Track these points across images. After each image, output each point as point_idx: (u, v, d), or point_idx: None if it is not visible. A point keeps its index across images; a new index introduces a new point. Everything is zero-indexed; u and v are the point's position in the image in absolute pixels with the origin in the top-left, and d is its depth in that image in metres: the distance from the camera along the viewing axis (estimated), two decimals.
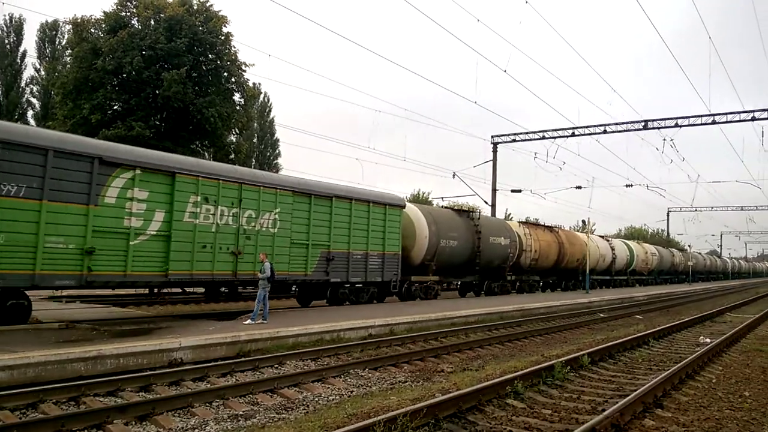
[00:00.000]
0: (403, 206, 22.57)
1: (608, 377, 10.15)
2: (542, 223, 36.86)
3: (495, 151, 40.64)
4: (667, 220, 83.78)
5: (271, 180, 17.58)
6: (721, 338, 14.48)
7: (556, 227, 37.44)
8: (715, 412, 7.70)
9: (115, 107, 27.56)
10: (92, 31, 27.38)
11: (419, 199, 51.64)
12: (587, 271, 35.97)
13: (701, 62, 37.92)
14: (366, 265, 20.15)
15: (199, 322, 14.08)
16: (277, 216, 16.98)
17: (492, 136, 40.72)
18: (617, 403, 7.33)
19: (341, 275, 19.27)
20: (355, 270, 19.82)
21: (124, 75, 26.78)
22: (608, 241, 44.61)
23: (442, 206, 32.61)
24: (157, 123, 27.87)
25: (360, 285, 20.28)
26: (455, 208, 30.05)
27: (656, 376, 9.22)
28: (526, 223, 34.46)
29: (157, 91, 26.69)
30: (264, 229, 16.61)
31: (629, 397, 7.60)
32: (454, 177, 37.50)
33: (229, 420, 7.49)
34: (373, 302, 20.86)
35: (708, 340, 14.86)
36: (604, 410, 7.14)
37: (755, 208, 73.56)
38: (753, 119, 32.84)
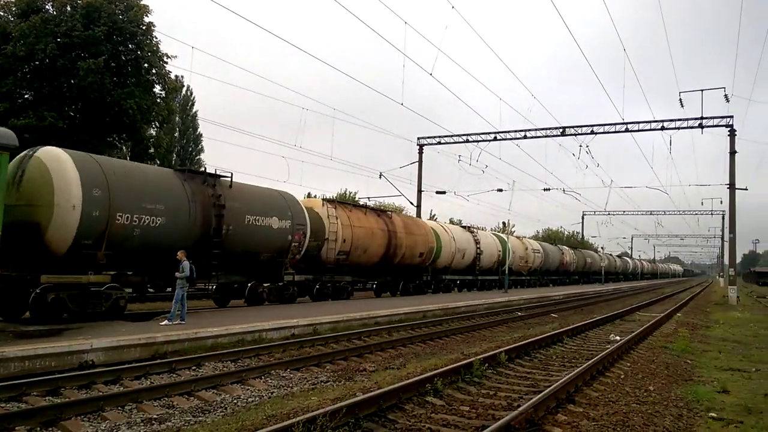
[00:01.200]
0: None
1: (524, 374, 10.48)
2: (368, 205, 31.64)
3: (421, 153, 41.21)
4: (582, 223, 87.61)
5: None
6: (629, 336, 15.22)
7: (390, 211, 31.97)
8: (623, 406, 8.08)
9: (26, 96, 26.05)
10: (1, 14, 25.78)
11: (345, 199, 51.56)
12: (506, 269, 37.01)
13: (616, 73, 39.79)
14: None
15: (113, 322, 13.51)
16: None
17: (418, 138, 41.29)
18: (531, 399, 7.57)
19: None
20: None
21: (37, 62, 25.35)
22: (472, 232, 37.56)
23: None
24: (72, 114, 26.56)
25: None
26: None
27: (569, 373, 9.59)
28: (332, 201, 26.08)
29: (72, 81, 25.42)
30: None
31: (543, 393, 7.86)
32: (380, 177, 37.72)
33: (142, 424, 7.24)
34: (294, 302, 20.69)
35: (618, 337, 15.59)
36: (519, 406, 7.36)
37: (663, 212, 78.03)
38: (662, 128, 34.76)
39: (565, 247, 59.13)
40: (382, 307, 19.74)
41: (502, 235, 42.88)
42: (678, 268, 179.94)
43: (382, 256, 26.62)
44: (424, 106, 39.63)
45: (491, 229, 49.86)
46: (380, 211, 28.74)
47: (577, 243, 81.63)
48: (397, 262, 27.69)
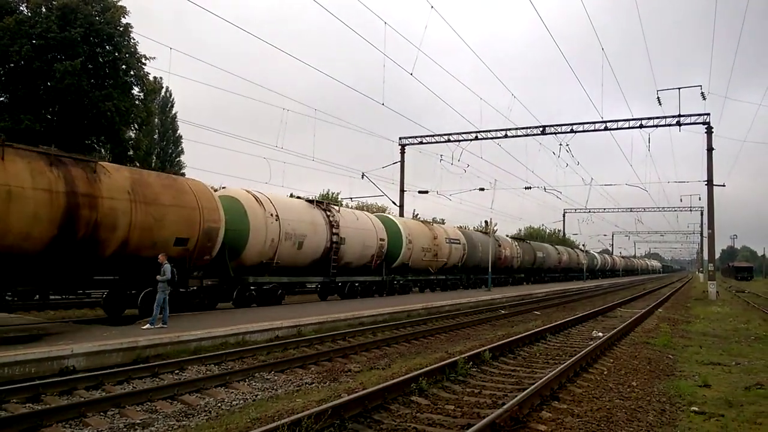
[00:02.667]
0: None
1: (508, 371, 10.52)
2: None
3: (403, 153, 41.25)
4: (563, 220, 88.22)
5: None
6: (612, 332, 15.35)
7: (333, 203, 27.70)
8: (606, 402, 8.14)
9: (1, 99, 25.69)
10: None
11: (328, 200, 51.47)
12: (489, 268, 37.14)
13: (595, 72, 40.13)
14: None
15: (93, 327, 13.36)
16: None
17: (400, 138, 41.29)
18: (516, 396, 7.59)
19: None
20: None
21: (12, 64, 24.99)
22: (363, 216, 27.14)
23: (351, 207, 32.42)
24: (49, 117, 26.23)
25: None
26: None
27: (553, 370, 9.64)
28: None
29: (48, 83, 25.11)
30: None
31: (527, 390, 7.89)
32: (363, 177, 37.66)
33: (125, 429, 7.16)
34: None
35: (600, 334, 15.71)
36: (504, 404, 7.38)
37: (643, 209, 78.88)
38: (641, 126, 35.13)
39: (505, 237, 47.29)
40: (366, 308, 19.71)
41: (391, 217, 30.72)
42: (656, 263, 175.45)
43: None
44: (405, 107, 39.78)
45: (474, 228, 49.79)
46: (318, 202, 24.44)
47: (559, 241, 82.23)
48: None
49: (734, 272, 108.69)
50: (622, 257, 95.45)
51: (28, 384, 8.58)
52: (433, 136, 40.36)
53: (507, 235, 51.40)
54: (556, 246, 63.40)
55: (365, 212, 30.81)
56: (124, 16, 27.32)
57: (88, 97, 25.35)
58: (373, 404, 7.50)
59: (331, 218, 23.32)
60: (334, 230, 23.16)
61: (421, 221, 35.21)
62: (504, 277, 45.07)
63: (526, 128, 37.73)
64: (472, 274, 38.10)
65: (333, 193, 56.15)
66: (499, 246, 42.14)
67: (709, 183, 34.87)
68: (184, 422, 7.44)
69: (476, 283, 38.24)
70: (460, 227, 39.81)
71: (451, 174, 40.70)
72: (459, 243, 35.13)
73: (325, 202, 24.74)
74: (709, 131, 34.30)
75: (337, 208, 25.32)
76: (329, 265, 23.09)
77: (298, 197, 26.28)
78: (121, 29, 27.10)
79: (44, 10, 25.58)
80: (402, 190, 41.09)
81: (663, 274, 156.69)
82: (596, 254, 65.22)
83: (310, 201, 23.92)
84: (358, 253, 25.25)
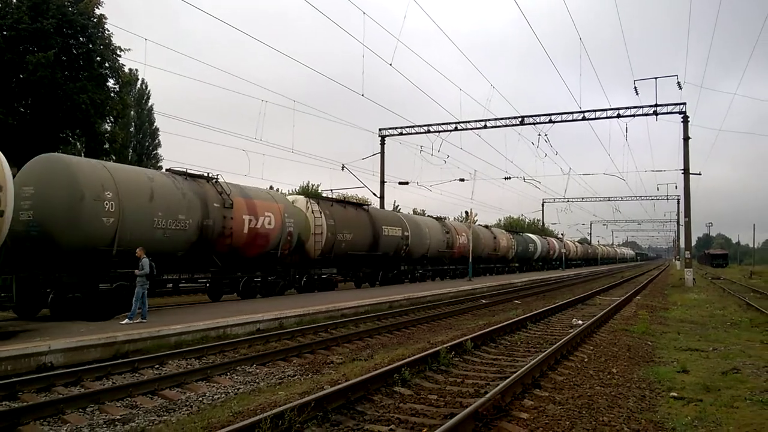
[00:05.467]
0: None
1: (490, 360, 10.57)
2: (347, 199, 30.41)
3: (383, 144, 41.17)
4: (542, 210, 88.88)
5: None
6: (591, 320, 15.51)
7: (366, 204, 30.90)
8: (587, 389, 8.22)
9: None
10: None
11: (308, 192, 51.26)
12: (470, 258, 37.32)
13: (573, 62, 40.31)
14: None
15: (71, 323, 13.16)
16: None
17: (380, 129, 41.21)
18: (498, 385, 7.62)
19: None
20: None
21: None
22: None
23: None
24: (22, 110, 25.68)
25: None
26: (350, 201, 30.13)
27: (534, 358, 9.71)
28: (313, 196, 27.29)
29: (21, 75, 24.56)
30: None
31: (509, 379, 7.93)
32: (343, 169, 37.50)
33: (105, 425, 7.05)
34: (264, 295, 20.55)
35: (580, 322, 15.87)
36: (486, 393, 7.41)
37: (620, 198, 79.63)
38: (618, 116, 35.42)
39: (430, 219, 38.68)
40: (347, 299, 19.70)
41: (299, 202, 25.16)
42: (629, 251, 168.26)
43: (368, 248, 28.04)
44: (385, 98, 39.60)
45: (455, 219, 49.94)
46: (358, 205, 29.92)
47: (538, 230, 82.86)
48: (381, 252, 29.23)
49: (710, 259, 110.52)
50: (575, 242, 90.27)
51: (4, 382, 8.44)
52: (413, 127, 40.31)
53: (486, 225, 51.54)
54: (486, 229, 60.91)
55: (422, 216, 39.93)
56: (97, 7, 26.77)
57: (62, 90, 24.85)
58: (356, 395, 7.49)
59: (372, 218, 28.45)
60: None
61: (435, 218, 39.62)
62: (500, 266, 50.85)
63: (505, 119, 37.85)
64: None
65: (313, 185, 55.95)
66: (495, 238, 47.12)
67: (686, 172, 35.30)
68: (165, 417, 7.37)
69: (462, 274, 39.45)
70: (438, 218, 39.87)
71: (432, 165, 40.82)
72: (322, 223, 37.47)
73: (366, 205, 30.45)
74: (685, 120, 34.70)
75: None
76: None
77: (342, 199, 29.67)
78: (95, 20, 26.56)
79: (15, 0, 25.01)
80: (382, 182, 41.05)
81: (640, 262, 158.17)
82: (533, 237, 59.42)
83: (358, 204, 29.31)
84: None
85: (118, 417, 7.36)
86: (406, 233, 30.97)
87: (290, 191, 40.50)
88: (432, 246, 35.10)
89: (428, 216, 40.88)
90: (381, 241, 28.41)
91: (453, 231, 38.57)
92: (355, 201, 27.42)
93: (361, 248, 26.88)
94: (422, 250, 33.93)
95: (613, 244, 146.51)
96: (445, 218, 41.15)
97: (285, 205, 21.75)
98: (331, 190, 42.94)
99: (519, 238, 54.48)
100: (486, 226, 49.65)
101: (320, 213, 24.20)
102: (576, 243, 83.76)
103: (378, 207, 37.92)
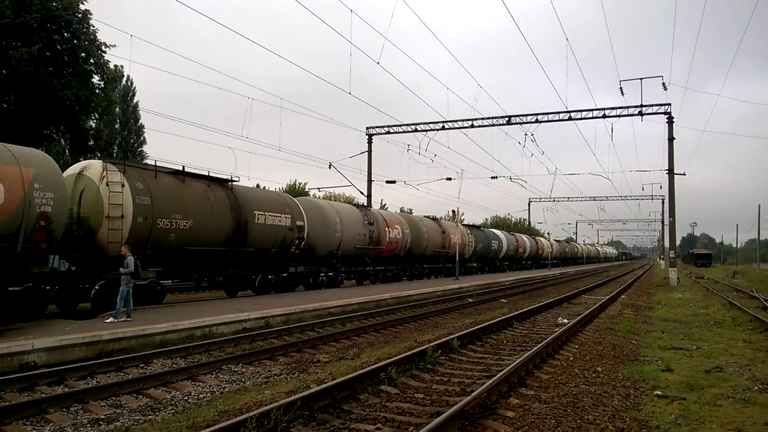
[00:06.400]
0: None
1: (476, 359, 10.60)
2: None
3: (370, 143, 41.12)
4: (528, 209, 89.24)
5: None
6: (577, 319, 15.58)
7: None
8: (573, 388, 8.26)
9: None
10: None
11: (296, 190, 51.11)
12: (456, 258, 37.42)
13: (559, 63, 40.57)
14: None
15: (55, 321, 13.04)
16: None
17: (367, 128, 41.15)
18: (485, 384, 7.65)
19: None
20: None
21: None
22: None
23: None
24: (5, 106, 25.38)
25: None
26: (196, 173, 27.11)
27: (520, 357, 9.74)
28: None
29: (4, 71, 24.27)
30: None
31: (495, 377, 7.96)
32: (330, 167, 37.43)
33: (89, 425, 6.99)
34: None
35: (566, 320, 15.95)
36: (472, 391, 7.42)
37: (606, 198, 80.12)
38: (604, 116, 35.63)
39: (495, 231, 46.49)
40: (334, 298, 19.67)
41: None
42: (612, 250, 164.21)
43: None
44: (372, 96, 39.68)
45: (442, 218, 49.61)
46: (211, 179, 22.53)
47: (524, 229, 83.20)
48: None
49: (694, 259, 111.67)
50: (557, 241, 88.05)
51: None
52: (400, 125, 40.30)
53: (434, 217, 47.42)
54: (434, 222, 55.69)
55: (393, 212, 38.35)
56: (82, 2, 26.53)
57: (46, 86, 24.59)
58: (342, 394, 7.48)
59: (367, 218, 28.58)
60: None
61: (432, 218, 39.92)
62: (450, 266, 40.94)
63: (492, 118, 37.94)
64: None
65: (300, 183, 55.83)
66: (444, 233, 40.17)
67: (671, 172, 35.60)
68: (150, 416, 7.31)
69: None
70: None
71: (419, 164, 40.69)
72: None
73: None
74: (670, 121, 34.98)
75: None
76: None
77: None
78: (79, 16, 26.30)
79: None
80: (369, 180, 41.01)
81: (625, 261, 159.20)
82: (497, 233, 55.52)
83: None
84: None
85: (102, 416, 7.29)
86: (299, 222, 23.49)
87: (277, 189, 40.23)
88: (345, 241, 27.80)
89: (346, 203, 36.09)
90: (251, 232, 20.69)
91: (379, 222, 31.17)
92: (207, 175, 19.61)
93: (210, 241, 18.89)
94: (332, 248, 26.96)
95: (597, 243, 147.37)
96: (369, 207, 35.85)
97: (36, 170, 13.55)
98: (318, 188, 42.86)
99: (479, 234, 47.95)
100: (433, 218, 40.89)
101: (123, 186, 15.95)
102: (553, 241, 79.48)
103: (366, 205, 37.66)
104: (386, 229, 31.73)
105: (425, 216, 40.76)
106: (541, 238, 70.35)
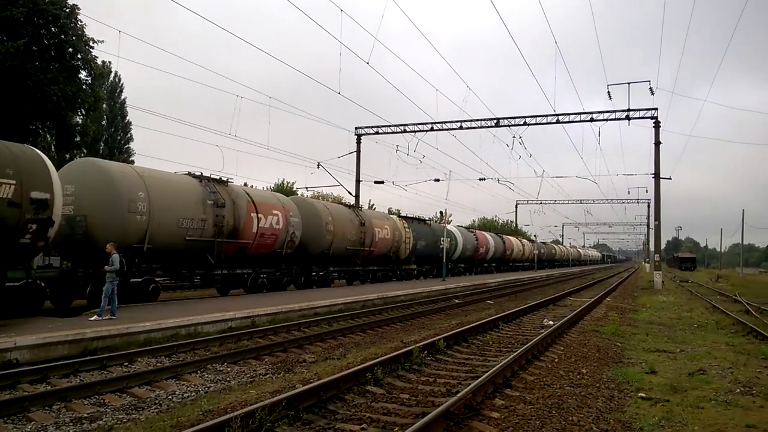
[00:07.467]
0: None
1: (462, 360, 10.62)
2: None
3: (359, 143, 41.12)
4: (516, 211, 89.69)
5: None
6: (562, 320, 15.66)
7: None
8: (558, 389, 8.30)
9: None
10: None
11: (284, 190, 50.97)
12: (444, 258, 37.47)
13: (548, 67, 40.76)
14: None
15: (38, 319, 12.91)
16: None
17: (356, 128, 41.13)
18: (470, 384, 7.65)
19: None
20: None
21: None
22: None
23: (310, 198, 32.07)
24: None
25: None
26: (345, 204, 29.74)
27: (505, 358, 9.77)
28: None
29: None
30: None
31: (481, 378, 7.97)
32: (318, 167, 37.38)
33: (71, 423, 6.92)
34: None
35: (551, 322, 16.02)
36: (458, 392, 7.43)
37: (592, 201, 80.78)
38: (591, 120, 35.89)
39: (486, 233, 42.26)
40: (320, 298, 19.64)
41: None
42: (595, 253, 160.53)
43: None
44: (362, 96, 39.59)
45: (431, 219, 48.95)
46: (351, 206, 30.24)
47: (512, 231, 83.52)
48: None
49: (679, 263, 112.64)
50: (530, 240, 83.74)
51: None
52: (389, 126, 40.32)
53: (349, 205, 40.85)
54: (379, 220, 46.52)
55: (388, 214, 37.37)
56: None
57: (32, 80, 24.34)
58: (327, 394, 7.46)
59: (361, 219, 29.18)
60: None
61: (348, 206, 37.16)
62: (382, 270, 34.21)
63: (481, 120, 38.08)
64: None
65: (288, 183, 55.68)
66: (364, 224, 31.70)
67: (657, 176, 35.88)
68: (133, 415, 7.26)
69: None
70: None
71: (407, 165, 40.80)
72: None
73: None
74: (657, 125, 35.28)
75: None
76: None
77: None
78: (67, 10, 26.07)
79: None
80: (358, 180, 41.00)
81: (609, 264, 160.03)
82: (462, 230, 49.97)
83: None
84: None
85: (85, 415, 7.23)
86: (293, 222, 23.37)
87: (265, 188, 40.06)
88: (337, 241, 27.22)
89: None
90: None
91: (223, 194, 20.25)
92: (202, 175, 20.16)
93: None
94: (323, 247, 26.08)
95: (583, 245, 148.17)
96: (360, 207, 33.41)
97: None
98: (306, 188, 42.73)
99: (422, 229, 39.10)
100: (349, 205, 32.93)
101: None
102: (523, 241, 71.29)
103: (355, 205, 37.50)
104: (376, 229, 31.40)
105: (341, 203, 36.10)
106: (511, 238, 66.45)
